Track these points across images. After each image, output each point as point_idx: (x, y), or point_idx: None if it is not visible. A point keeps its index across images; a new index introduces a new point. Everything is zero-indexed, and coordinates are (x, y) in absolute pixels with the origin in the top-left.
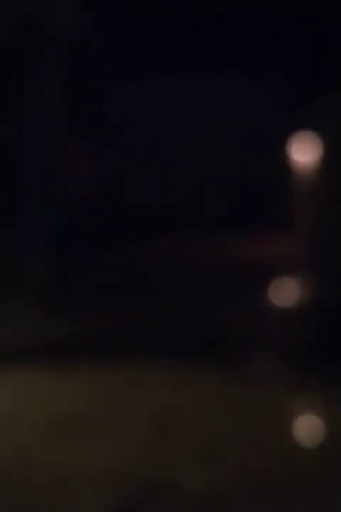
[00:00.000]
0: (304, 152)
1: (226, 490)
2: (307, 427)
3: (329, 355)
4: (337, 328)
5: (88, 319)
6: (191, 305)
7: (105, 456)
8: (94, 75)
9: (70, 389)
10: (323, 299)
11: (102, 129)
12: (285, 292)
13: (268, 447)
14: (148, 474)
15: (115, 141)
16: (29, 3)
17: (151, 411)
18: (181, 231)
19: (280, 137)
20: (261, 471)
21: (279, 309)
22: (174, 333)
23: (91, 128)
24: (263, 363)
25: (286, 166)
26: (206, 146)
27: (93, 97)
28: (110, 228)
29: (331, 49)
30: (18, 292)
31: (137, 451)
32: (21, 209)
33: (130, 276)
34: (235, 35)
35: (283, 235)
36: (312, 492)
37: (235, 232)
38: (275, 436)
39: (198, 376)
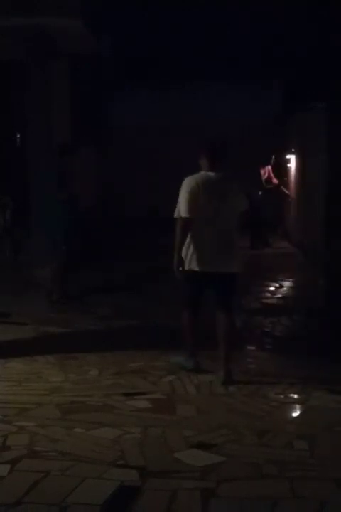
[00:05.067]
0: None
1: None
2: None
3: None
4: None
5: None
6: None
7: None
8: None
9: None
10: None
11: (102, 139)
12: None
13: None
14: None
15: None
16: (38, 18)
17: None
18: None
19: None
20: None
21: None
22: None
23: (94, 137)
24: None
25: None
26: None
27: (94, 107)
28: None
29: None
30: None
31: None
32: (31, 211)
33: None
34: (223, 48)
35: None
36: None
37: None
38: None
39: None
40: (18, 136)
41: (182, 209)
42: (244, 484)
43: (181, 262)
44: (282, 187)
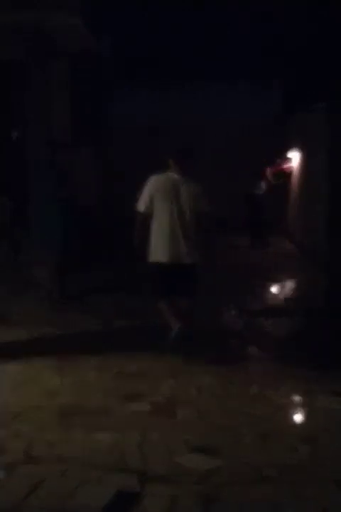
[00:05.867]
0: (294, 159)
1: None
2: None
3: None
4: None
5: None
6: None
7: None
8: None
9: None
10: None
11: (102, 139)
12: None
13: None
14: None
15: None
16: (38, 17)
17: None
18: None
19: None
20: None
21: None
22: None
23: (94, 137)
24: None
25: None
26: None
27: (94, 107)
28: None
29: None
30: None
31: None
32: (30, 211)
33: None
34: (223, 48)
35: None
36: None
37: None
38: None
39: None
40: (18, 136)
41: (138, 204)
42: (245, 488)
43: (140, 251)
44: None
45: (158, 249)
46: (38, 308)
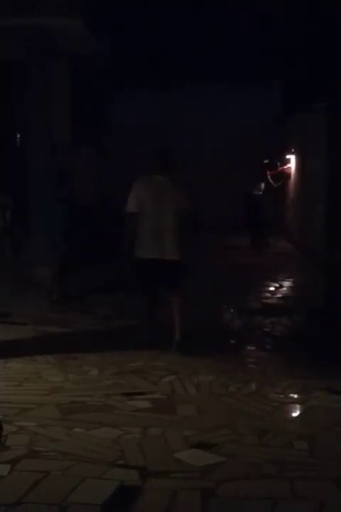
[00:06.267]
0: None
1: None
2: None
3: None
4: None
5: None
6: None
7: None
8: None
9: None
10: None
11: (102, 139)
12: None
13: None
14: None
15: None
16: (38, 18)
17: None
18: None
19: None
20: None
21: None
22: None
23: (94, 137)
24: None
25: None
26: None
27: (94, 107)
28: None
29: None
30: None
31: None
32: (31, 211)
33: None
34: (223, 48)
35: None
36: None
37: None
38: None
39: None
40: (18, 136)
41: (127, 205)
42: (244, 484)
43: (129, 249)
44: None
45: (143, 247)
46: (38, 308)
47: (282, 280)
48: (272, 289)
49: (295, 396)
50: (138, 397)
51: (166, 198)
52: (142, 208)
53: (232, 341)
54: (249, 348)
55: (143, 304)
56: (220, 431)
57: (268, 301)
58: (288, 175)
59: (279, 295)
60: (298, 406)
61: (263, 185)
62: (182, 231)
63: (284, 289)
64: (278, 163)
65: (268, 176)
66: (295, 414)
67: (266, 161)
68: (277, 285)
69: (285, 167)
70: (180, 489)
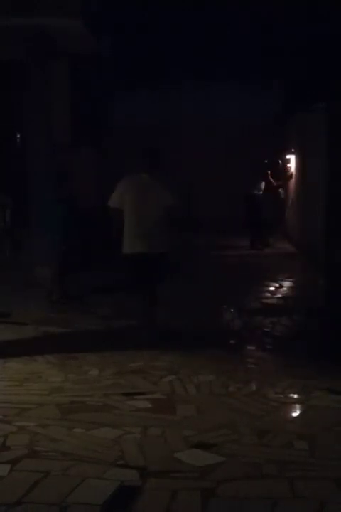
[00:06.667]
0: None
1: None
2: None
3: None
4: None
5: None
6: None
7: None
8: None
9: None
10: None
11: (102, 139)
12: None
13: None
14: None
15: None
16: (38, 18)
17: None
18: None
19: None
20: None
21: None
22: None
23: (94, 137)
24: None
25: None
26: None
27: (94, 107)
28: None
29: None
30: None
31: None
32: (31, 211)
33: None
34: (223, 48)
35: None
36: None
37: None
38: None
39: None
40: (18, 136)
41: (110, 200)
42: (244, 484)
43: (117, 237)
44: (280, 189)
45: (129, 242)
46: (38, 308)
47: (282, 280)
48: (272, 289)
49: (295, 396)
50: (138, 397)
51: (151, 196)
52: (127, 204)
53: (232, 341)
54: (248, 348)
55: (139, 302)
56: (220, 431)
57: (268, 301)
58: (290, 174)
59: (279, 295)
60: (298, 406)
61: (263, 185)
62: (169, 227)
63: (284, 289)
64: (280, 162)
65: (269, 176)
66: (295, 414)
67: (265, 161)
68: (277, 285)
69: (284, 167)
70: (180, 489)
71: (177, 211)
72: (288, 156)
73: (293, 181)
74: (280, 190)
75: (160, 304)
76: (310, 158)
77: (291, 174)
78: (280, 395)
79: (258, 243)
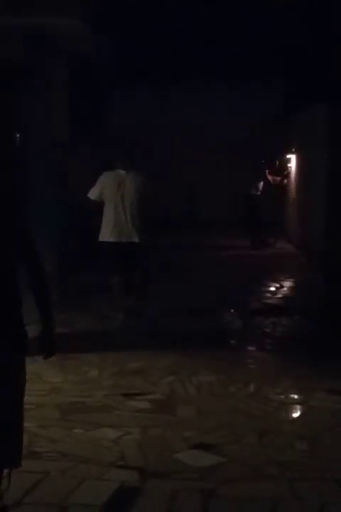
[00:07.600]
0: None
1: None
2: None
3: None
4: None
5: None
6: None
7: None
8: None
9: None
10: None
11: (102, 139)
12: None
13: None
14: None
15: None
16: (38, 18)
17: None
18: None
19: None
20: None
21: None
22: None
23: (93, 137)
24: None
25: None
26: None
27: (94, 107)
28: None
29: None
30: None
31: None
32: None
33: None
34: (223, 48)
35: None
36: None
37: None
38: None
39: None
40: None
41: (90, 192)
42: (244, 485)
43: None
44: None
45: (108, 230)
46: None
47: (282, 280)
48: (272, 289)
49: (296, 397)
50: (138, 398)
51: (128, 189)
52: (106, 197)
53: (232, 341)
54: (249, 348)
55: (115, 284)
56: (220, 431)
57: (268, 301)
58: (288, 173)
59: (279, 295)
60: (298, 407)
61: (261, 185)
62: (145, 221)
63: (284, 289)
64: (277, 161)
65: (267, 175)
66: (295, 414)
67: (263, 161)
68: (277, 285)
69: (285, 165)
70: (180, 490)
71: (153, 200)
72: (288, 156)
73: (293, 181)
74: (285, 181)
75: (160, 303)
76: (310, 158)
77: (288, 173)
78: (281, 396)
79: (258, 243)
